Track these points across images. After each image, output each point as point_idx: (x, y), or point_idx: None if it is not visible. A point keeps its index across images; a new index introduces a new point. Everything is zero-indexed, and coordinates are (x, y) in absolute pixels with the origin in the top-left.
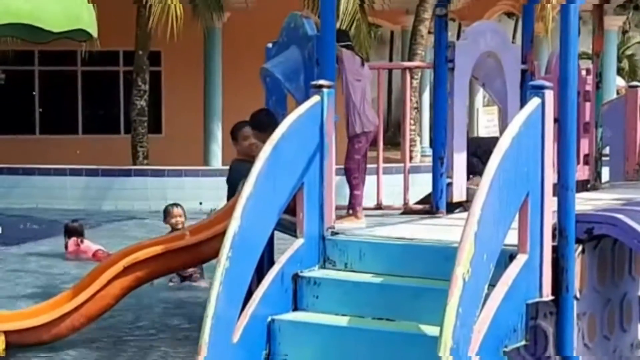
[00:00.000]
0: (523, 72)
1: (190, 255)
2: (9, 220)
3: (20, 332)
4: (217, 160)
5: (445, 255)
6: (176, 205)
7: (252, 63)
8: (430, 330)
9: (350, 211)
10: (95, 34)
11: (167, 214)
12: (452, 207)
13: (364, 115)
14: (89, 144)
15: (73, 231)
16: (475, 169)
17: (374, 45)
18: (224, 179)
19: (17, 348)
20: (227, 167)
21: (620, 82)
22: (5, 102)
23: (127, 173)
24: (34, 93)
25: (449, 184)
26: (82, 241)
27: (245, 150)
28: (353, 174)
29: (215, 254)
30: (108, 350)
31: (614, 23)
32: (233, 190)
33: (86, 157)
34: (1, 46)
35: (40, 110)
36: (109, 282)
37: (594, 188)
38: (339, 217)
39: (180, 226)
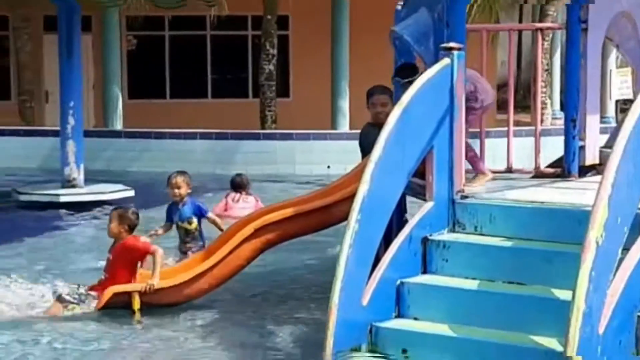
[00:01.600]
0: None
1: (320, 217)
2: (142, 184)
3: (154, 292)
4: (344, 124)
5: (578, 218)
6: (179, 173)
7: (380, 26)
8: (562, 294)
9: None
10: None
11: (168, 182)
12: (584, 171)
13: (483, 92)
14: (218, 108)
15: (238, 185)
16: None
17: (504, 6)
18: (351, 142)
19: (151, 308)
20: (355, 131)
21: None
22: (137, 67)
23: (255, 137)
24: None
25: (582, 147)
26: (246, 193)
27: (373, 116)
28: None
29: (345, 216)
30: (239, 312)
31: None
32: (364, 154)
33: (215, 121)
34: (132, 12)
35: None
36: (240, 244)
37: None
38: (468, 181)
39: (177, 199)
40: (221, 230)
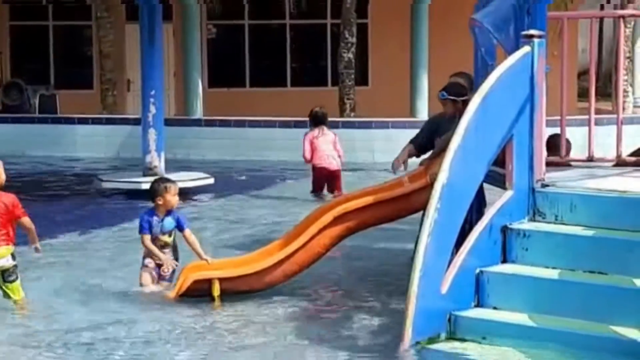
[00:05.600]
0: None
1: (400, 206)
2: (222, 171)
3: (234, 280)
4: (423, 112)
5: None
6: (170, 181)
7: (460, 14)
8: None
9: None
10: None
11: (161, 190)
12: None
13: None
14: (297, 97)
15: (322, 118)
16: None
17: None
18: None
19: (231, 295)
20: None
21: None
22: (217, 56)
23: (334, 125)
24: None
25: None
26: (322, 130)
27: None
28: None
29: (424, 205)
30: (316, 299)
31: None
32: (419, 137)
33: (294, 110)
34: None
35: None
36: (320, 231)
37: None
38: None
39: (173, 208)
40: (196, 251)
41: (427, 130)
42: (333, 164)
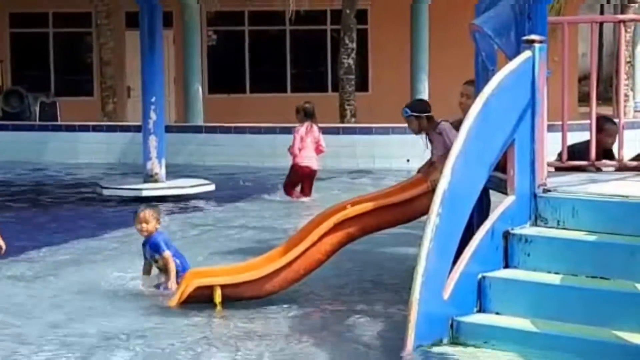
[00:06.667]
0: None
1: (401, 211)
2: (222, 178)
3: (234, 286)
4: None
5: None
6: (147, 206)
7: (460, 19)
8: None
9: None
10: None
11: (135, 217)
12: None
13: None
14: (298, 103)
15: (311, 113)
16: None
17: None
18: None
19: (232, 301)
20: None
21: None
22: (217, 62)
23: (335, 131)
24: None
25: None
26: (311, 126)
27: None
28: None
29: (426, 210)
30: (318, 305)
31: None
32: None
33: (295, 116)
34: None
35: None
36: (320, 238)
37: None
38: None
39: (144, 234)
40: (166, 272)
41: None
42: (315, 163)
